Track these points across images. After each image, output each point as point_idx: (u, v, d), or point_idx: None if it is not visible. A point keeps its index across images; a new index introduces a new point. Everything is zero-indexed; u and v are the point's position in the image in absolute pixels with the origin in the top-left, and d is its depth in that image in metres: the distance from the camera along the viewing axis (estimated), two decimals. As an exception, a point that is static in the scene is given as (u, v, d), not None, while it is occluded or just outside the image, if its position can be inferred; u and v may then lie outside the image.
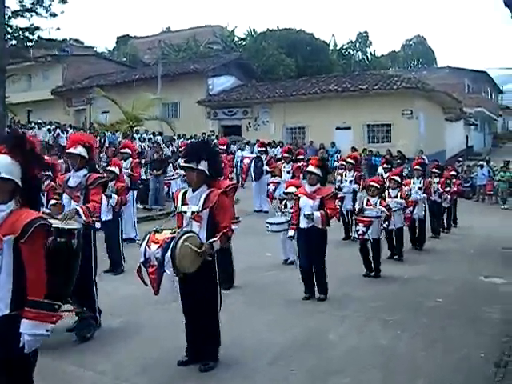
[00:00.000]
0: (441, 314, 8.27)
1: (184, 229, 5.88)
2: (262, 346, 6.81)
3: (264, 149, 19.41)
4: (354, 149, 28.91)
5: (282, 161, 17.27)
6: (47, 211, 7.44)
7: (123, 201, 10.80)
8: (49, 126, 30.57)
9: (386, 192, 12.75)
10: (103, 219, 10.42)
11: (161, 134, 30.53)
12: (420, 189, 14.26)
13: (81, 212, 6.64)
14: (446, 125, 38.88)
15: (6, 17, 23.54)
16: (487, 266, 12.09)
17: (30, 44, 25.53)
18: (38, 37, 24.76)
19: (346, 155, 18.01)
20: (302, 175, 14.97)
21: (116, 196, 10.55)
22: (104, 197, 10.37)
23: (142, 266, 5.80)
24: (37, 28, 24.96)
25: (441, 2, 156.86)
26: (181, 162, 8.49)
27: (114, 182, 10.83)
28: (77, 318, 6.91)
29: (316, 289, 9.05)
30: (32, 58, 33.74)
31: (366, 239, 10.68)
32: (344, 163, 15.75)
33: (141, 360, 6.33)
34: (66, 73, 45.43)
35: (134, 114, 21.94)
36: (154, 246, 5.69)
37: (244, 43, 54.90)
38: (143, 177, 17.48)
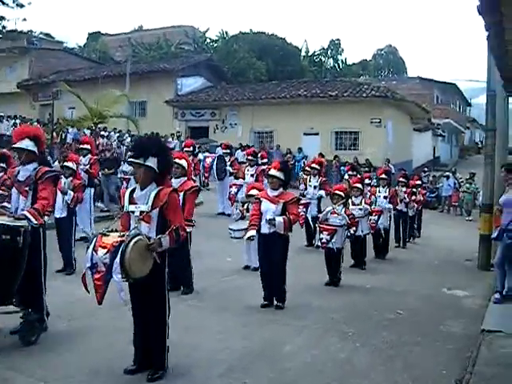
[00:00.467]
0: (401, 327, 8.01)
1: (132, 231, 5.52)
2: (215, 355, 6.48)
3: (228, 151, 19.12)
4: (321, 155, 28.73)
5: (246, 163, 16.96)
6: None
7: (79, 198, 10.35)
8: (13, 120, 29.92)
9: (350, 200, 12.56)
10: (57, 216, 10.07)
11: (129, 132, 30.06)
12: (385, 198, 14.06)
13: (29, 216, 6.26)
14: (413, 135, 38.95)
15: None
16: (450, 278, 11.95)
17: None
18: (3, 27, 24.10)
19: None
20: (266, 179, 14.69)
21: (72, 193, 10.12)
22: (59, 193, 10.05)
23: (88, 271, 5.42)
24: (2, 18, 24.30)
25: (413, 13, 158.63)
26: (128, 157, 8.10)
27: (70, 178, 10.42)
28: (22, 319, 6.47)
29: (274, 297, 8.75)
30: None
31: (329, 248, 10.43)
32: (309, 169, 15.46)
33: (86, 367, 5.95)
34: (33, 66, 44.65)
35: (98, 111, 21.47)
36: (101, 251, 5.30)
37: (216, 45, 54.65)
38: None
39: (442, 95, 52.97)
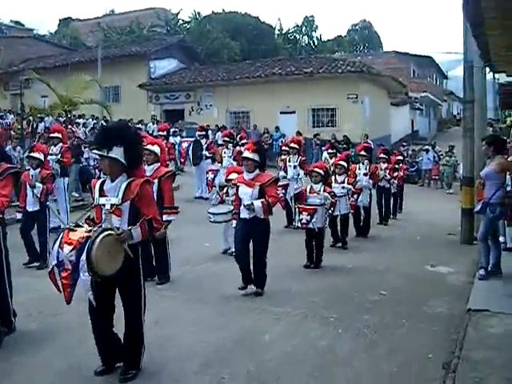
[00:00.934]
0: (384, 309, 7.70)
1: (103, 225, 5.16)
2: (189, 349, 6.17)
3: (204, 133, 18.72)
4: (298, 133, 28.45)
5: (223, 145, 16.59)
6: None
7: (49, 189, 9.92)
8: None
9: (333, 177, 12.28)
10: (29, 210, 9.69)
11: (104, 118, 29.55)
12: (365, 175, 13.72)
13: None
14: (391, 109, 38.75)
15: None
16: (433, 254, 11.65)
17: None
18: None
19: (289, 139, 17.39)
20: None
21: (41, 185, 9.68)
22: (28, 186, 9.65)
23: (55, 268, 5.03)
24: (-36, 6, 23.60)
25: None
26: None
27: (38, 169, 9.98)
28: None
29: (253, 282, 8.43)
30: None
31: (309, 228, 10.12)
32: (287, 148, 15.08)
33: (54, 369, 5.63)
34: (2, 55, 43.75)
35: (68, 98, 20.94)
36: (66, 248, 4.91)
37: (188, 26, 54.00)
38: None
39: (419, 69, 52.85)
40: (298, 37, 63.72)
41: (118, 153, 5.16)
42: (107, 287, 5.27)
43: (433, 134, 49.54)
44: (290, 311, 7.54)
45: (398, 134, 38.97)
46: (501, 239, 9.96)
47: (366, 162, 13.91)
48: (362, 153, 14.15)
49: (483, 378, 5.22)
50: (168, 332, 6.66)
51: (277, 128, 31.58)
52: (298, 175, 14.10)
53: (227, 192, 10.54)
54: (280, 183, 12.75)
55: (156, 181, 8.41)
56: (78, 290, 5.04)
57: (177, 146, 18.15)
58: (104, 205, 5.25)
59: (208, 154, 17.34)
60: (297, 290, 8.69)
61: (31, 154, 10.31)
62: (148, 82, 37.79)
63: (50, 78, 27.69)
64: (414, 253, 12.04)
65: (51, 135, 13.50)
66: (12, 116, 30.81)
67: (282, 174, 14.15)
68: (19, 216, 9.85)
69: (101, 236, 4.90)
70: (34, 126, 26.13)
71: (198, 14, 54.72)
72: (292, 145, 14.68)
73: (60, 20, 66.38)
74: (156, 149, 8.77)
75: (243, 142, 16.97)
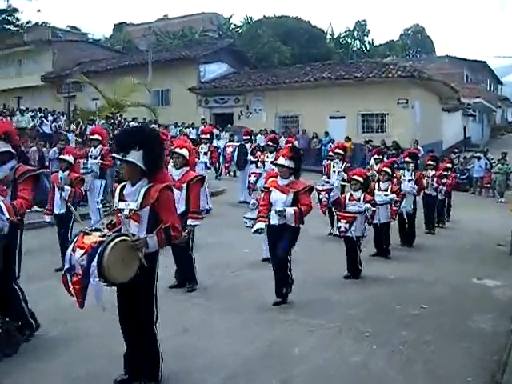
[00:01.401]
0: (424, 324, 7.34)
1: (122, 230, 4.96)
2: (217, 360, 5.93)
3: (249, 137, 18.53)
4: (347, 138, 28.13)
5: (266, 150, 16.34)
6: None
7: (77, 193, 9.77)
8: (31, 113, 29.75)
9: (376, 185, 11.92)
10: (56, 212, 9.55)
11: (150, 121, 29.66)
12: (410, 181, 13.31)
13: (3, 207, 5.63)
14: (443, 115, 37.96)
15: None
16: (481, 266, 11.21)
17: (8, 27, 24.46)
18: (16, 19, 23.72)
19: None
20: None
21: (69, 188, 9.53)
22: (56, 188, 9.53)
23: (66, 273, 4.86)
24: (15, 10, 23.91)
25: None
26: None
27: (67, 172, 9.87)
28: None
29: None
30: (23, 42, 32.68)
31: (348, 237, 9.79)
32: (332, 154, 14.76)
33: (72, 376, 5.49)
34: (56, 59, 44.52)
35: (115, 100, 20.98)
36: (78, 252, 4.71)
37: (240, 31, 53.98)
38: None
39: (472, 74, 51.69)
40: (349, 41, 63.16)
41: (135, 157, 4.95)
42: (122, 294, 5.11)
43: (485, 140, 48.34)
44: (324, 324, 7.22)
45: (450, 140, 38.18)
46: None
47: (411, 168, 13.50)
48: (407, 159, 13.74)
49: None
50: (196, 341, 6.45)
51: (326, 133, 31.21)
52: (343, 180, 13.76)
53: (265, 197, 10.26)
54: (323, 187, 12.51)
55: (185, 185, 8.22)
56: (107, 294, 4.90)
57: (221, 151, 18.02)
58: (123, 209, 5.07)
59: (253, 159, 17.12)
60: (334, 300, 8.37)
61: (61, 156, 10.22)
62: (198, 85, 37.83)
63: (101, 81, 27.96)
64: (461, 263, 11.57)
65: (91, 137, 13.55)
66: (64, 118, 31.27)
67: (324, 178, 13.85)
68: (48, 219, 9.74)
69: (114, 241, 4.69)
70: (83, 128, 26.32)
71: (250, 18, 54.73)
72: (337, 150, 14.33)
73: (114, 25, 67.38)
74: (184, 152, 8.51)
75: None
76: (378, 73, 31.60)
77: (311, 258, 8.17)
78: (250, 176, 15.66)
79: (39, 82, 43.53)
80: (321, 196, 12.70)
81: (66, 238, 9.23)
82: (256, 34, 48.44)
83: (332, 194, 10.27)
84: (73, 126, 26.12)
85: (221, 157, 18.68)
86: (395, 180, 12.68)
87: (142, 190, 5.02)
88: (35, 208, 8.26)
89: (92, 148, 12.80)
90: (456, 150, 32.85)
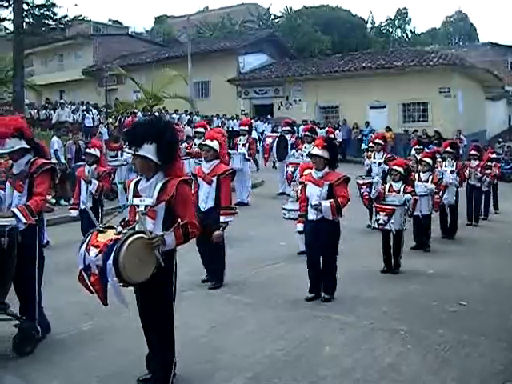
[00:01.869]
0: (462, 323, 6.96)
1: (137, 227, 4.72)
2: (242, 360, 5.70)
3: (289, 128, 18.21)
4: (388, 128, 27.69)
5: (304, 140, 16.04)
6: None
7: (104, 187, 9.62)
8: (73, 107, 29.99)
9: (417, 175, 11.58)
10: (82, 207, 9.38)
11: (191, 113, 29.67)
12: (452, 172, 12.90)
13: (18, 214, 5.51)
14: (486, 104, 37.17)
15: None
16: (525, 260, 10.74)
17: (46, 21, 24.56)
18: (53, 13, 23.81)
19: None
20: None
21: (96, 182, 9.40)
22: (83, 182, 9.40)
23: (83, 273, 4.65)
24: (53, 5, 24.01)
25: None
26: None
27: (94, 166, 9.73)
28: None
29: (322, 287, 7.87)
30: (64, 37, 32.90)
31: (387, 230, 9.46)
32: (373, 144, 14.42)
33: (97, 373, 5.34)
34: (97, 52, 44.87)
35: (153, 93, 20.90)
36: (93, 252, 4.50)
37: (279, 21, 53.63)
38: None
39: (517, 61, 50.32)
40: (390, 30, 62.31)
41: (148, 150, 4.71)
42: (140, 293, 4.95)
43: (531, 129, 47.11)
44: (356, 321, 6.92)
45: (494, 129, 37.37)
46: None
47: (452, 158, 13.09)
48: (448, 149, 13.32)
49: None
50: (222, 339, 6.25)
51: (367, 123, 30.86)
52: (384, 172, 13.41)
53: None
54: (364, 181, 12.25)
55: (215, 179, 8.00)
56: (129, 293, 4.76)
57: (261, 141, 17.76)
58: (138, 205, 4.83)
59: (295, 152, 16.83)
60: (368, 297, 8.06)
61: (87, 150, 10.09)
62: (237, 76, 37.72)
63: (142, 73, 27.98)
64: (504, 258, 11.14)
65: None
66: (104, 111, 31.48)
67: (366, 162, 13.92)
68: (74, 213, 9.63)
69: (131, 239, 4.46)
70: (122, 120, 26.37)
71: (290, 8, 54.35)
72: (377, 140, 14.01)
73: (155, 18, 67.68)
74: (215, 144, 8.21)
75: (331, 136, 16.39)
76: (420, 61, 30.97)
77: (347, 251, 7.86)
78: (287, 167, 15.38)
79: (81, 75, 43.98)
80: (362, 190, 12.46)
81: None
82: (296, 23, 48.07)
83: (373, 191, 9.93)
84: (110, 120, 26.11)
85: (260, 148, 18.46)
86: (436, 171, 12.32)
87: (159, 185, 4.77)
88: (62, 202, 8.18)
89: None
90: (500, 140, 32.08)
